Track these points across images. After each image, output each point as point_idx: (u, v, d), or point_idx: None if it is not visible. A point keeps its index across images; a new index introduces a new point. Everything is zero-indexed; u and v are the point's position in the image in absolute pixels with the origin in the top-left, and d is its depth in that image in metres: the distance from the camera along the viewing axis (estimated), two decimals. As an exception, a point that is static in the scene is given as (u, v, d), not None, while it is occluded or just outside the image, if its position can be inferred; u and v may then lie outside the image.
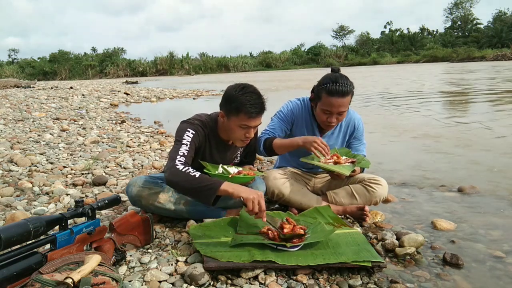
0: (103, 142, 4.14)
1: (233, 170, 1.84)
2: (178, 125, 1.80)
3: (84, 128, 5.12)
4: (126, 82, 25.12)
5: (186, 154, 1.67)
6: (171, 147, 1.74)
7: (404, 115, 6.12)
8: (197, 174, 1.55)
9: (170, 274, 1.37)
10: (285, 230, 1.52)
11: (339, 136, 2.14)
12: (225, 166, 1.86)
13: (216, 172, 1.80)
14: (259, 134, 2.04)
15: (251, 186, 1.84)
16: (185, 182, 1.54)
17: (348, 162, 1.89)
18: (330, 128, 2.04)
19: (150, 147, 3.88)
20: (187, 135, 1.73)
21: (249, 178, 1.78)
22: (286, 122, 2.08)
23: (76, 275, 0.93)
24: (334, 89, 1.81)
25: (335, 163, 1.86)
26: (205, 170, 1.77)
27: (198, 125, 1.79)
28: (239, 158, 2.05)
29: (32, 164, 3.03)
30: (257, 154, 2.13)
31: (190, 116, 1.87)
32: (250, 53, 63.47)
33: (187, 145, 1.70)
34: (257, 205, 1.48)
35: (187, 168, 1.58)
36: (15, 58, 60.58)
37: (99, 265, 1.03)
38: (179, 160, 1.62)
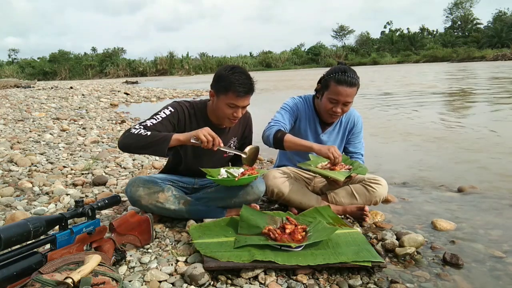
0: (103, 142, 4.15)
1: (236, 172, 1.83)
2: None
3: (84, 128, 5.13)
4: (126, 82, 25.11)
5: (148, 125, 1.70)
6: None
7: (404, 115, 6.12)
8: (149, 132, 1.61)
9: (170, 274, 1.37)
10: (287, 231, 1.52)
11: (339, 132, 2.17)
12: (227, 169, 1.84)
13: (219, 176, 1.79)
14: (265, 126, 2.03)
15: (252, 185, 1.84)
16: (137, 142, 1.60)
17: (345, 169, 1.90)
18: (333, 120, 2.05)
19: (150, 147, 3.87)
20: (163, 112, 1.79)
21: (253, 177, 1.79)
22: (292, 114, 2.10)
23: (76, 275, 0.93)
24: (343, 79, 1.88)
25: (331, 169, 1.87)
26: (207, 176, 1.78)
27: (184, 105, 1.84)
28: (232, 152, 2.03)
29: (32, 164, 3.03)
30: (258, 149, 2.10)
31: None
32: (250, 53, 63.45)
33: (156, 120, 1.74)
34: (210, 137, 1.57)
35: (139, 130, 1.63)
36: (15, 58, 60.56)
37: (99, 265, 1.03)
38: (134, 128, 1.66)
